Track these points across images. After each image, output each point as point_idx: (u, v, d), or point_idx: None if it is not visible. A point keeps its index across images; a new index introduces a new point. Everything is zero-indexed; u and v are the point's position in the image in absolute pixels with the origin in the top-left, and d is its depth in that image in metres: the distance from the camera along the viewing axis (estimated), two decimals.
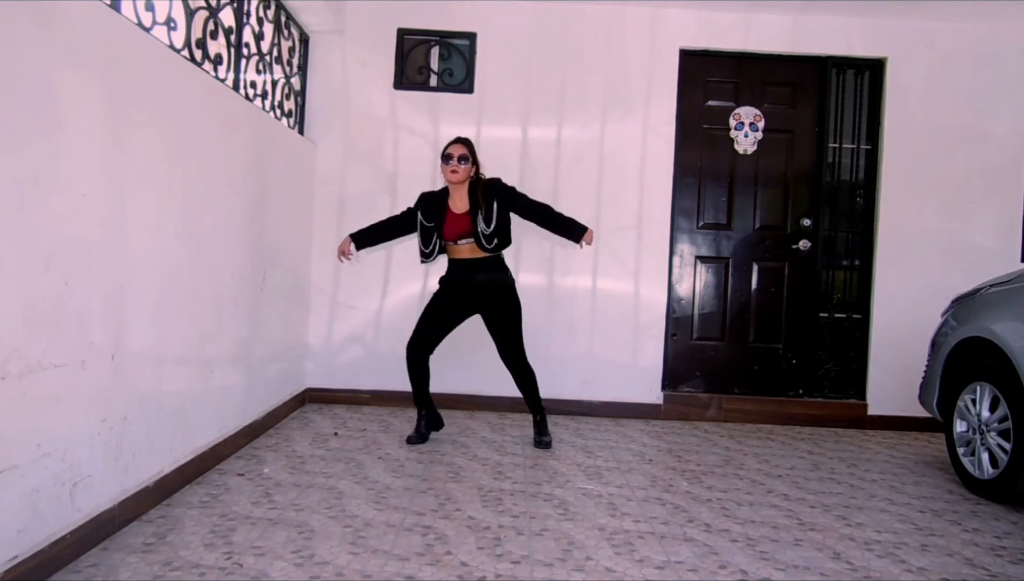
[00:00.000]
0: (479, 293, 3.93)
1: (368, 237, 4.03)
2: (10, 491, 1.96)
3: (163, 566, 2.27)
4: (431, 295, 4.06)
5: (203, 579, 2.19)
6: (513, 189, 3.96)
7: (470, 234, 3.86)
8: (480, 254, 3.89)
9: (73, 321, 2.21)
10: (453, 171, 3.85)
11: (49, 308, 2.09)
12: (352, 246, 3.97)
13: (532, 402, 4.09)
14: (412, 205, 4.05)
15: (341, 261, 4.07)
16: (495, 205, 3.86)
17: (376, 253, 4.95)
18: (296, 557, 2.39)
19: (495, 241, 3.86)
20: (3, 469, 1.92)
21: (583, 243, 3.92)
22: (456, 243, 3.90)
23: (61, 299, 2.14)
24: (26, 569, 2.02)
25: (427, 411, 4.06)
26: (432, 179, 4.95)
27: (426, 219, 3.93)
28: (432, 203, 3.96)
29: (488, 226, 3.84)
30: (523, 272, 4.83)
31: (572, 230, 3.92)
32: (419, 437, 4.02)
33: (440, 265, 4.93)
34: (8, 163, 1.89)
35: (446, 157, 3.88)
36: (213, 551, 2.41)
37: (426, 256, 3.95)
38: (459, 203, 3.91)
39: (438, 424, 4.13)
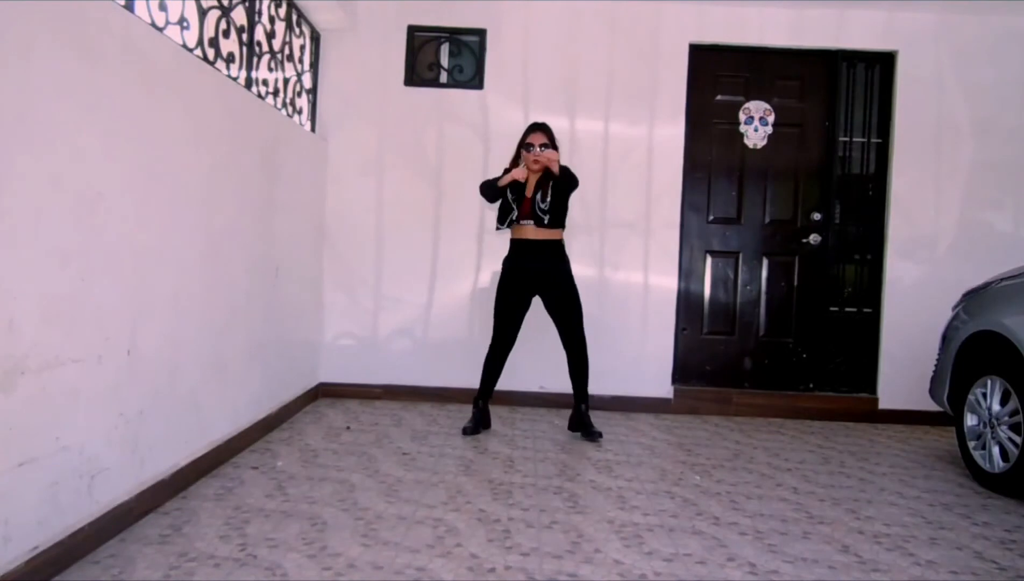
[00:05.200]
0: (539, 274, 4.05)
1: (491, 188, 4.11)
2: (30, 484, 2.00)
3: (179, 557, 2.31)
4: (496, 288, 4.17)
5: (218, 570, 2.23)
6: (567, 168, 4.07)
7: (530, 216, 4.02)
8: (541, 236, 4.03)
9: (90, 317, 2.24)
10: (535, 161, 3.97)
11: (66, 304, 2.12)
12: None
13: (581, 389, 4.13)
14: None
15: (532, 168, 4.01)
16: (549, 184, 4.01)
17: (387, 248, 4.98)
18: (309, 549, 2.42)
19: (548, 217, 4.00)
20: (23, 462, 1.96)
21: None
22: (520, 223, 4.04)
23: (78, 296, 2.18)
24: (46, 560, 2.06)
25: (485, 406, 4.22)
26: (437, 174, 4.98)
27: (511, 190, 4.05)
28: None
29: (544, 202, 3.99)
30: None
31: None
32: (475, 428, 4.16)
33: (445, 267, 4.98)
34: (26, 162, 1.93)
35: (528, 146, 4.00)
36: (228, 543, 2.44)
37: (501, 222, 4.10)
38: (532, 185, 4.05)
39: (488, 423, 4.26)
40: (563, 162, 4.13)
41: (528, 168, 4.01)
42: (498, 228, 4.13)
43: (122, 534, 2.46)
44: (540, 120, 4.61)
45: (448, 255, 5.01)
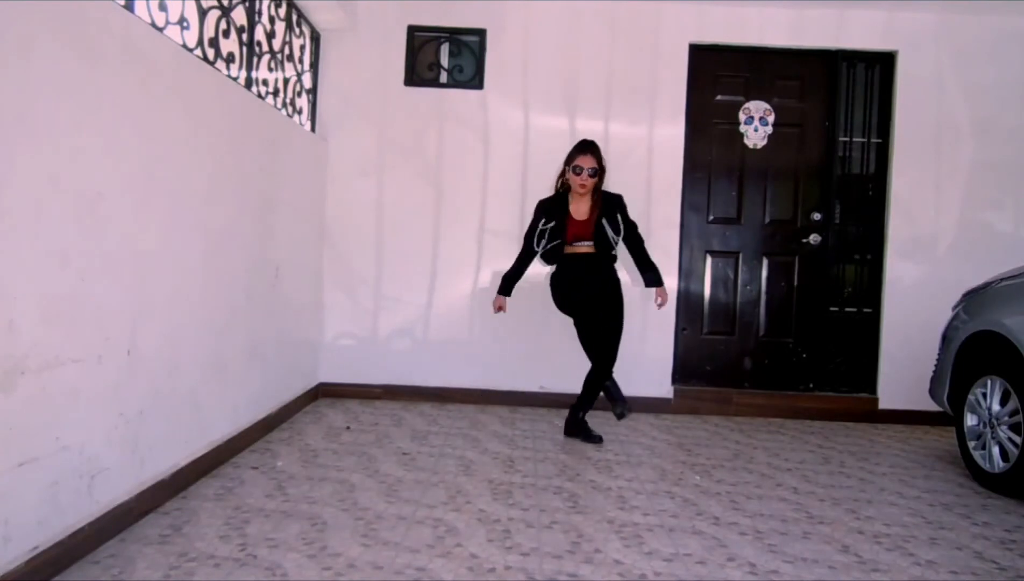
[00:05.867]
0: (593, 286, 3.99)
1: (512, 282, 4.13)
2: (30, 483, 2.00)
3: (179, 557, 2.31)
4: (554, 299, 4.11)
5: (218, 570, 2.23)
6: (627, 213, 4.08)
7: (589, 238, 3.96)
8: (594, 250, 3.99)
9: (89, 317, 2.25)
10: (583, 185, 3.93)
11: (66, 304, 2.13)
12: (505, 300, 4.10)
13: (590, 400, 4.10)
14: (528, 229, 4.11)
15: (498, 313, 4.15)
16: (618, 217, 3.99)
17: (388, 248, 4.99)
18: (309, 549, 2.42)
19: (616, 247, 4.01)
20: (23, 462, 1.96)
21: (656, 298, 4.14)
22: (572, 245, 3.98)
23: (78, 295, 2.18)
24: (46, 560, 2.06)
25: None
26: (437, 174, 4.98)
27: (547, 220, 3.99)
28: (552, 207, 4.03)
29: (617, 235, 3.98)
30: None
31: (651, 274, 4.09)
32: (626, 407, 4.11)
33: (445, 267, 4.98)
34: (26, 162, 1.93)
35: (576, 169, 3.93)
36: (228, 543, 2.45)
37: (543, 256, 4.06)
38: (581, 209, 3.99)
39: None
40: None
41: (576, 191, 3.97)
42: (551, 262, 4.07)
43: (122, 534, 2.46)
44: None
45: (448, 255, 5.01)
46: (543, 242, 4.00)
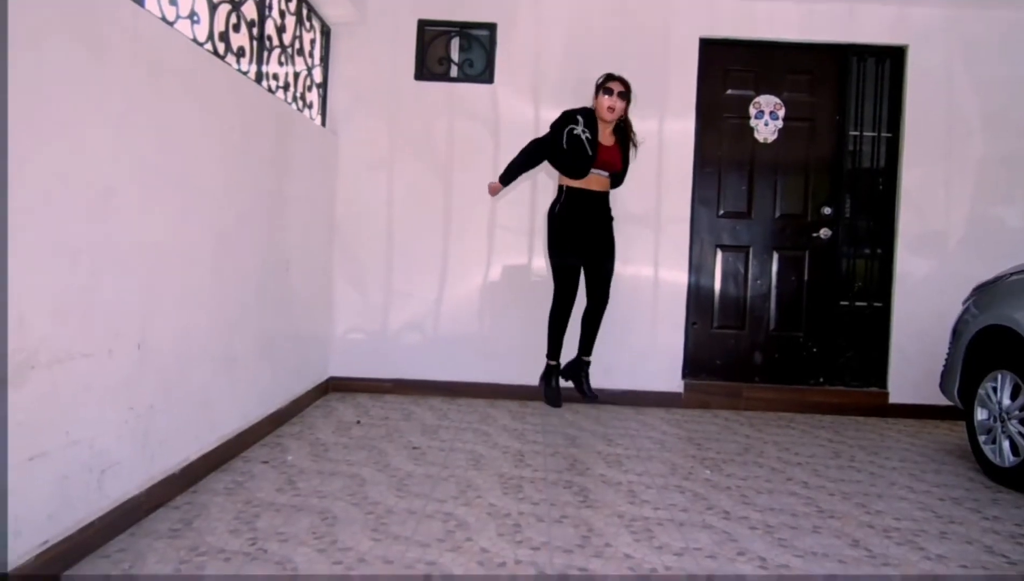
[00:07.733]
0: (598, 226, 4.07)
1: (515, 174, 4.10)
2: (40, 477, 2.01)
3: (189, 551, 2.32)
4: (551, 241, 4.16)
5: (228, 564, 2.24)
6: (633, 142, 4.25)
7: (612, 167, 4.05)
8: (605, 187, 4.07)
9: (100, 311, 2.25)
10: (610, 108, 3.99)
11: (76, 299, 2.13)
12: (501, 187, 4.08)
13: (590, 341, 4.17)
14: (549, 133, 4.12)
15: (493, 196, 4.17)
16: (618, 138, 4.14)
17: (398, 242, 4.99)
18: (319, 543, 2.43)
19: (623, 172, 4.19)
20: (34, 456, 1.97)
21: None
22: (590, 173, 4.00)
23: (88, 290, 2.19)
24: (56, 554, 2.07)
25: (558, 363, 4.46)
26: (447, 169, 4.98)
27: (584, 128, 3.96)
28: (588, 119, 4.02)
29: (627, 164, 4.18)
30: (543, 258, 4.85)
31: None
32: (556, 399, 4.38)
33: (455, 262, 4.98)
34: (36, 158, 1.94)
35: (607, 89, 3.97)
36: (238, 537, 2.45)
37: (562, 164, 4.02)
38: (607, 136, 4.05)
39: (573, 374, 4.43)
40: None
41: (601, 116, 4.01)
42: (575, 174, 4.02)
43: (132, 528, 2.47)
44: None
45: (458, 249, 5.01)
46: (571, 150, 3.91)
